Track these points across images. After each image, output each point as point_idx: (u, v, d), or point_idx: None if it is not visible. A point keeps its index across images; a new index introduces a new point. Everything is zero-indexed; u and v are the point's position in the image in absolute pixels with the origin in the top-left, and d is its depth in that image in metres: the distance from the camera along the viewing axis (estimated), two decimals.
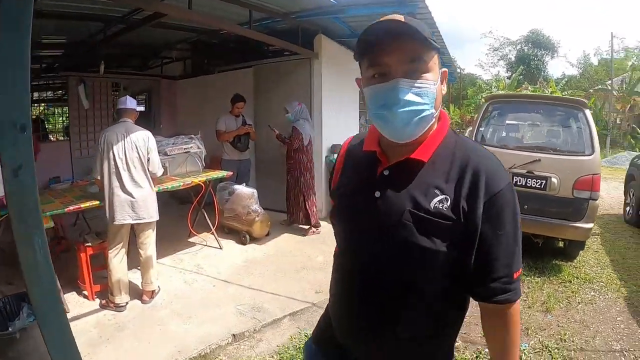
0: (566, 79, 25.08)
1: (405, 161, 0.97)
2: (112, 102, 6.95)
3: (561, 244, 4.84)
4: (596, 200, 4.16)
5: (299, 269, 4.21)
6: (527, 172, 4.27)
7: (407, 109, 0.91)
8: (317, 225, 5.37)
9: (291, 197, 5.34)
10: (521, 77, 22.51)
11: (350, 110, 7.05)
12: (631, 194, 6.72)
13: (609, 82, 21.14)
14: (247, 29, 4.63)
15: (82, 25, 4.92)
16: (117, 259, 3.31)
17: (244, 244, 4.83)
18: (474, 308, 1.07)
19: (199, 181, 4.29)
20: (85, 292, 3.49)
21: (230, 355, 2.83)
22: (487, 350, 2.05)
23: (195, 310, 3.34)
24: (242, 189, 4.88)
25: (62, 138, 7.59)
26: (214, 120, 5.39)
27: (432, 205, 0.93)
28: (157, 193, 3.58)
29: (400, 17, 0.91)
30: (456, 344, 2.13)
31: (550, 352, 2.91)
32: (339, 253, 1.16)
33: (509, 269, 0.95)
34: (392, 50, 0.91)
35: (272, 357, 2.79)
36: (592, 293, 3.93)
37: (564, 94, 19.13)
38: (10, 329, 2.32)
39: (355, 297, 1.06)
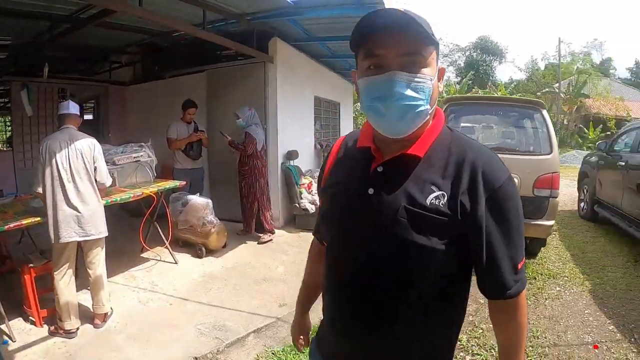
0: (515, 83, 26.25)
1: (400, 157, 0.94)
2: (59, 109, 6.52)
3: None
4: (556, 197, 4.23)
5: (260, 281, 4.01)
6: None
7: (402, 102, 0.88)
8: (271, 232, 5.26)
9: (246, 205, 5.20)
10: (470, 82, 23.35)
11: (305, 115, 6.96)
12: (585, 191, 6.97)
13: (556, 85, 22.33)
14: (201, 30, 4.40)
15: (26, 25, 4.59)
16: (65, 280, 2.99)
17: (200, 257, 4.57)
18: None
19: (150, 192, 4.00)
20: (33, 318, 3.14)
21: None
22: None
23: (153, 332, 3.07)
24: (196, 199, 4.63)
25: (5, 148, 7.06)
26: (165, 128, 5.14)
27: (428, 201, 0.90)
28: (106, 206, 3.30)
29: (400, 8, 0.86)
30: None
31: (525, 350, 2.86)
32: (332, 253, 1.09)
33: (515, 261, 0.94)
34: (390, 42, 0.87)
35: None
36: (557, 288, 3.99)
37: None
38: None
39: (352, 296, 1.01)
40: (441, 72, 0.97)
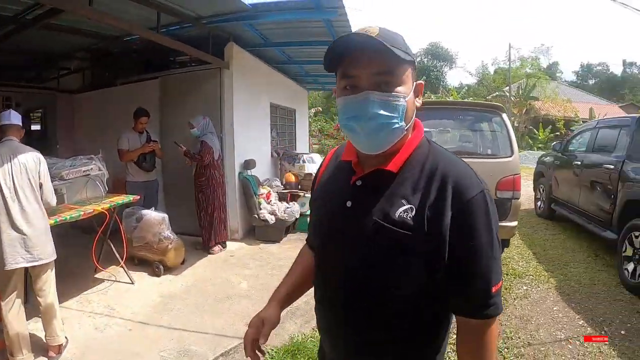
0: (466, 88, 27.21)
1: (375, 171, 0.97)
2: None
3: None
4: (518, 199, 4.30)
5: (223, 298, 3.80)
6: None
7: (375, 122, 0.90)
8: (223, 245, 5.14)
9: (205, 218, 4.99)
10: None
11: (261, 123, 6.81)
12: (541, 190, 7.22)
13: (507, 88, 23.30)
14: (155, 34, 4.17)
15: None
16: (14, 311, 2.68)
17: (158, 275, 4.28)
18: None
19: (102, 209, 3.68)
20: None
21: None
22: None
23: None
24: (151, 214, 4.35)
25: None
26: (116, 138, 4.83)
27: (396, 214, 0.91)
28: (55, 225, 3.02)
29: (374, 30, 0.88)
30: None
31: (501, 352, 2.91)
32: (317, 261, 1.11)
33: (487, 282, 0.89)
34: (363, 63, 0.90)
35: None
36: (524, 287, 4.06)
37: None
38: None
39: (339, 308, 1.02)
40: (419, 88, 0.99)
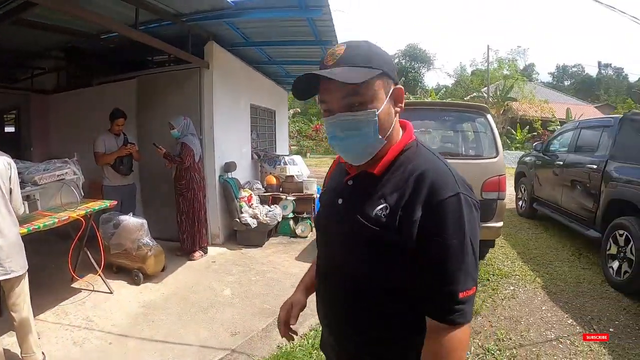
0: (444, 89, 27.52)
1: (361, 173, 1.05)
2: None
3: None
4: (504, 199, 4.30)
5: (207, 307, 3.64)
6: None
7: (350, 140, 0.99)
8: (204, 250, 5.00)
9: (186, 222, 4.83)
10: None
11: (242, 124, 6.65)
12: (522, 189, 7.30)
13: (485, 89, 23.63)
14: (134, 30, 3.99)
15: None
16: None
17: (137, 284, 4.10)
18: None
19: (78, 215, 3.49)
20: None
21: None
22: None
23: None
24: (129, 219, 4.15)
25: None
26: (91, 141, 4.63)
27: (373, 213, 0.97)
28: (27, 234, 2.84)
29: (341, 49, 0.97)
30: None
31: (493, 354, 2.88)
32: (317, 256, 1.22)
33: (452, 286, 0.89)
34: (331, 89, 0.97)
35: None
36: (511, 287, 4.06)
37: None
38: None
39: (326, 300, 1.15)
40: (398, 93, 1.02)
